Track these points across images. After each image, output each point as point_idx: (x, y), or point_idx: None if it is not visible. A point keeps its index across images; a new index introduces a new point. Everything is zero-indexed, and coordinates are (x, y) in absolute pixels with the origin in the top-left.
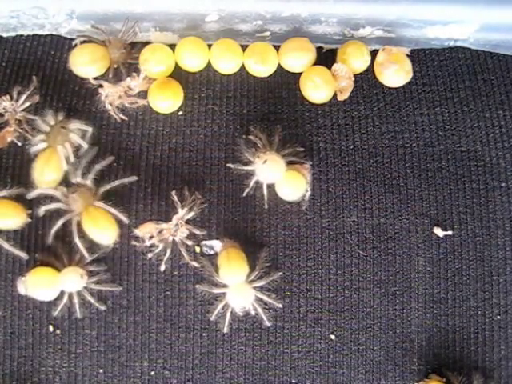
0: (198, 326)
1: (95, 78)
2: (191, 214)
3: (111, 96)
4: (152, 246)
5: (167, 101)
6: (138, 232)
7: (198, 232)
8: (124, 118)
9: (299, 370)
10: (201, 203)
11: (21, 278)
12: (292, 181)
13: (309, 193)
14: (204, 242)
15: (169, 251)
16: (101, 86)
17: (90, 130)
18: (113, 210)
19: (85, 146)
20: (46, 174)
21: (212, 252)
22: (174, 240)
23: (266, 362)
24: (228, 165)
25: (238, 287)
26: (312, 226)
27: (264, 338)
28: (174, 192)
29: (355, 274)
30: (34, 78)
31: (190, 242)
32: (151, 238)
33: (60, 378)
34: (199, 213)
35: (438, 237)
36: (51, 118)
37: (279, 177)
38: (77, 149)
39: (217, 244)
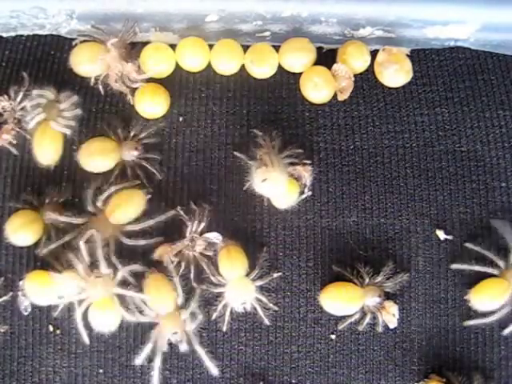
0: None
1: (96, 78)
2: (202, 226)
3: (114, 65)
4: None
5: (154, 106)
6: (155, 257)
7: (214, 240)
8: (124, 91)
9: (299, 369)
10: (208, 211)
11: (21, 297)
12: (286, 192)
13: (309, 193)
14: (205, 235)
15: (192, 267)
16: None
17: (75, 97)
18: None
19: (78, 113)
20: (46, 145)
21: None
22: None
23: (266, 362)
24: (235, 153)
25: (237, 282)
26: (312, 225)
27: (264, 338)
28: (179, 207)
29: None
30: (24, 74)
31: (210, 253)
32: (172, 260)
33: (60, 377)
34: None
35: (438, 237)
36: (48, 93)
37: (278, 194)
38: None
39: (217, 236)
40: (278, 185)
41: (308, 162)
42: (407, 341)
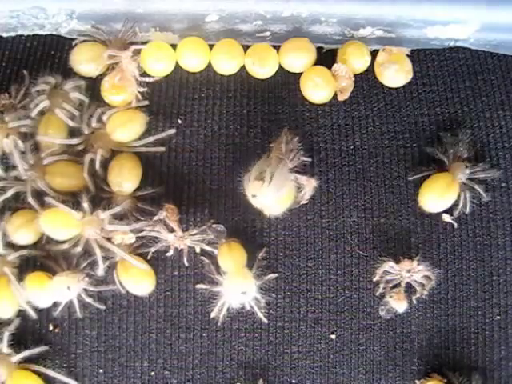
0: (197, 326)
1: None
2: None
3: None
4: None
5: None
6: None
7: (220, 230)
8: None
9: (299, 369)
10: (208, 211)
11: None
12: (277, 204)
13: (305, 201)
14: (213, 226)
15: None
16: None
17: (83, 83)
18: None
19: (86, 100)
20: (51, 133)
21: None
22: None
23: (266, 362)
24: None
25: (236, 273)
26: (312, 225)
27: (264, 338)
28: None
29: (355, 274)
30: (24, 72)
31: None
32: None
33: None
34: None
35: (438, 237)
36: (52, 79)
37: (267, 207)
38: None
39: (223, 228)
40: (267, 201)
41: (313, 176)
42: (407, 341)
